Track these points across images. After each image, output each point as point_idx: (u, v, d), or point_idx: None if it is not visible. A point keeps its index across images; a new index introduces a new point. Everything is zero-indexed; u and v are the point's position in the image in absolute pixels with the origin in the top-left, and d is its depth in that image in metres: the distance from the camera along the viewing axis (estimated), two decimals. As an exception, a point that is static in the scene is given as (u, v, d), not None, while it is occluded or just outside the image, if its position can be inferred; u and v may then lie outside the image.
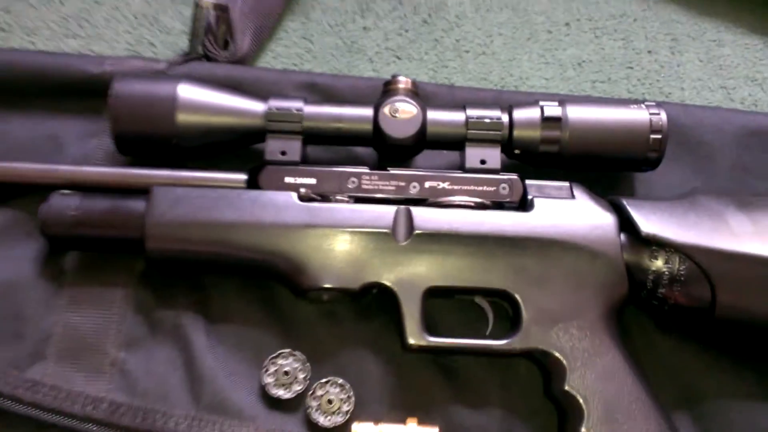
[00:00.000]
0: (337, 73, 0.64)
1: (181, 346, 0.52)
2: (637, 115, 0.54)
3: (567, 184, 0.54)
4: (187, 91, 0.53)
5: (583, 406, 0.48)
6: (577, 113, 0.54)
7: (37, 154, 0.56)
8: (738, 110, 0.64)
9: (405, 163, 0.56)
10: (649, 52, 0.67)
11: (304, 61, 0.65)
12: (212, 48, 0.62)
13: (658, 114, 0.54)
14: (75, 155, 0.57)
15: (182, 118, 0.52)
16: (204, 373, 0.51)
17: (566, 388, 0.49)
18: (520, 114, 0.54)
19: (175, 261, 0.51)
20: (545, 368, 0.51)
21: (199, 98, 0.53)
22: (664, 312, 0.52)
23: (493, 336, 0.52)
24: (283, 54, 0.65)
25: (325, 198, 0.53)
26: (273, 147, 0.53)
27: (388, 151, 0.55)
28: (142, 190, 0.52)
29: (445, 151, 0.56)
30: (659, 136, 0.53)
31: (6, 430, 0.50)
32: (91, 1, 0.66)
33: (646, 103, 0.55)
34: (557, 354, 0.49)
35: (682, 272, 0.50)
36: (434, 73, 0.65)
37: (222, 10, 0.61)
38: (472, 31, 0.67)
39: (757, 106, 0.65)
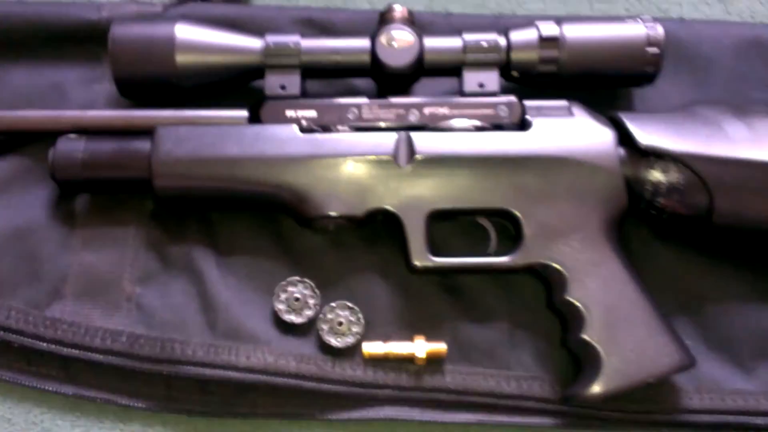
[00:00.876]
0: (333, 7, 0.64)
1: (194, 279, 0.54)
2: (633, 30, 0.54)
3: (565, 103, 0.54)
4: (185, 32, 0.54)
5: (584, 314, 0.50)
6: (574, 31, 0.54)
7: (42, 103, 0.58)
8: (735, 22, 0.64)
9: (403, 92, 0.57)
10: (646, -31, 0.66)
11: (298, -3, 0.65)
12: (207, -12, 0.62)
13: (654, 27, 0.54)
14: (79, 101, 0.58)
15: (181, 58, 0.53)
16: (218, 302, 0.53)
17: (568, 297, 0.51)
18: (516, 36, 0.55)
19: (183, 198, 0.53)
20: (547, 281, 0.52)
21: (196, 38, 0.54)
22: (663, 221, 0.53)
23: (497, 254, 0.53)
24: (278, -9, 0.65)
25: (326, 129, 0.54)
26: (272, 82, 0.54)
27: (387, 80, 0.55)
28: (146, 131, 0.53)
29: (443, 78, 0.57)
30: (656, 50, 0.54)
31: (30, 368, 0.53)
32: (84, -53, 0.65)
33: (642, 17, 0.55)
34: (558, 266, 0.51)
35: (679, 181, 0.51)
36: (430, 3, 0.65)
37: (215, -51, 0.61)
38: (467, -42, 0.67)
39: (754, 18, 0.65)
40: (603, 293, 0.50)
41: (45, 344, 0.52)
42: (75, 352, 0.52)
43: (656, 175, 0.52)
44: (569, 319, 0.51)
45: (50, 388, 0.52)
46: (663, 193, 0.52)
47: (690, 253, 0.55)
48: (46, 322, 0.52)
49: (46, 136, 0.54)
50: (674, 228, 0.54)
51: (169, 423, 0.53)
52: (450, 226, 0.55)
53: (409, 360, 0.52)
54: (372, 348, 0.52)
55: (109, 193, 0.55)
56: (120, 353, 0.52)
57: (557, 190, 0.52)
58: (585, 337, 0.50)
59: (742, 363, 0.54)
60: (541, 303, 0.54)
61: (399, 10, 0.55)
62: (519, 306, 0.55)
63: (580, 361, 0.51)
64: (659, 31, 0.54)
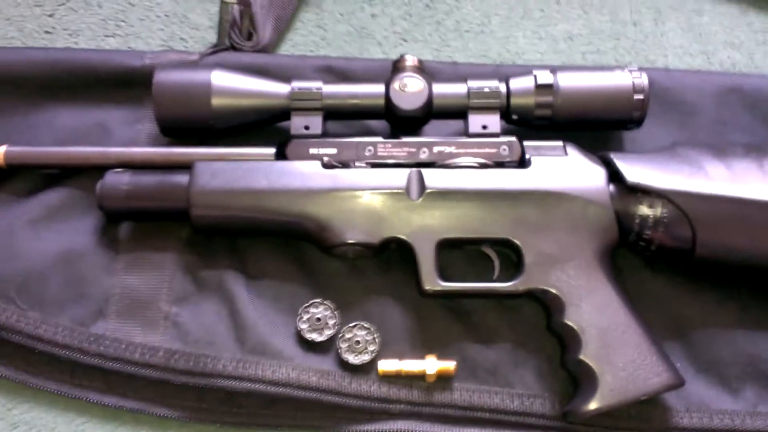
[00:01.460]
0: (350, 57, 0.71)
1: (225, 300, 0.58)
2: (620, 79, 0.60)
3: (560, 143, 0.60)
4: (220, 78, 0.60)
5: (581, 336, 0.54)
6: (567, 79, 0.60)
7: (87, 141, 0.63)
8: (716, 72, 0.70)
9: (415, 132, 0.62)
10: (634, 24, 0.73)
11: (319, 47, 0.72)
12: (238, 39, 0.68)
13: (640, 77, 0.60)
14: (121, 140, 0.64)
15: (217, 101, 0.59)
16: (246, 322, 0.57)
17: (565, 321, 0.55)
18: (515, 83, 0.60)
19: (217, 226, 0.58)
20: (546, 305, 0.57)
21: (230, 84, 0.60)
22: (651, 252, 0.57)
23: (500, 280, 0.58)
24: (300, 42, 0.72)
25: (345, 165, 0.59)
26: (297, 123, 0.60)
27: (399, 122, 0.61)
28: (184, 166, 0.59)
29: (450, 121, 0.62)
30: (642, 96, 0.59)
31: (73, 380, 0.57)
32: (125, 3, 0.73)
33: (629, 68, 0.61)
34: (556, 291, 0.55)
35: (665, 215, 0.56)
36: (438, 53, 0.72)
37: (245, 5, 0.68)
38: (471, 12, 0.73)
39: (735, 67, 0.71)
40: (597, 317, 0.55)
41: (89, 358, 0.56)
42: (116, 365, 0.56)
43: (643, 210, 0.57)
44: (567, 340, 0.55)
45: (92, 399, 0.57)
46: (650, 226, 0.57)
47: (678, 282, 0.60)
48: (91, 338, 0.57)
49: (94, 169, 0.60)
50: (662, 258, 0.58)
51: (200, 433, 0.58)
52: (457, 254, 0.60)
53: (420, 377, 0.57)
54: (387, 365, 0.57)
55: (150, 221, 0.60)
56: (157, 367, 0.56)
57: (554, 222, 0.57)
58: (581, 357, 0.54)
59: (728, 384, 0.58)
60: (541, 325, 0.58)
61: (410, 60, 0.61)
62: (521, 328, 0.59)
63: (578, 379, 0.55)
64: (644, 79, 0.59)
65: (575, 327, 0.55)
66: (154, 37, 0.71)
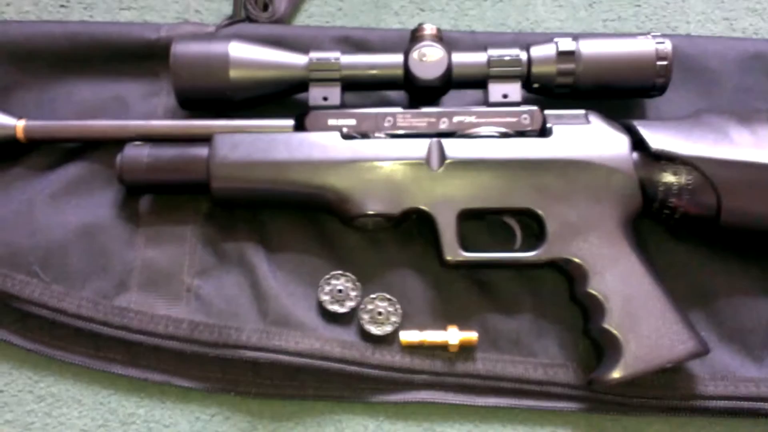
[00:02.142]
0: (368, 27, 0.70)
1: (246, 272, 0.59)
2: (644, 45, 0.59)
3: (583, 111, 0.59)
4: (237, 49, 0.59)
5: (605, 304, 0.54)
6: (589, 46, 0.59)
7: (105, 114, 0.63)
8: (739, 38, 0.69)
9: (434, 102, 0.62)
10: (656, -10, 0.72)
11: (335, 18, 0.71)
12: (254, 11, 0.68)
13: (663, 43, 0.59)
14: (139, 113, 0.64)
15: (234, 73, 0.58)
16: (268, 293, 0.57)
17: (589, 290, 0.55)
18: (536, 51, 0.60)
19: (237, 198, 0.58)
20: (569, 274, 0.56)
21: (248, 55, 0.59)
22: (675, 221, 0.57)
23: (522, 250, 0.58)
24: (316, 13, 0.71)
25: (364, 136, 0.59)
26: (315, 94, 0.59)
27: (418, 92, 0.60)
28: (203, 139, 0.58)
29: (470, 90, 0.61)
30: (665, 63, 0.58)
31: (98, 353, 0.58)
32: (139, -24, 0.72)
33: (652, 34, 0.60)
34: (579, 260, 0.55)
35: (689, 182, 0.56)
36: (455, 22, 0.71)
37: (260, -24, 0.67)
38: (489, -20, 0.72)
39: (758, 34, 0.70)
40: (621, 285, 0.55)
41: (113, 330, 0.57)
42: (141, 337, 0.57)
43: (668, 177, 0.56)
44: (590, 309, 0.55)
45: (117, 371, 0.57)
46: (674, 194, 0.56)
47: (701, 250, 0.59)
48: (115, 310, 0.57)
49: (113, 143, 0.60)
50: (686, 227, 0.58)
51: (225, 404, 0.58)
52: (478, 224, 0.60)
53: (442, 347, 0.57)
54: (409, 336, 0.57)
55: (171, 194, 0.60)
56: (181, 338, 0.56)
57: (577, 191, 0.56)
58: (606, 325, 0.54)
59: (752, 352, 0.58)
60: (563, 295, 0.58)
61: (429, 29, 0.60)
62: (543, 298, 0.59)
63: (602, 348, 0.55)
64: (668, 46, 0.59)
65: (599, 295, 0.55)
66: (169, 10, 0.71)
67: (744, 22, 0.70)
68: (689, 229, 0.58)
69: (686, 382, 0.56)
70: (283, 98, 0.62)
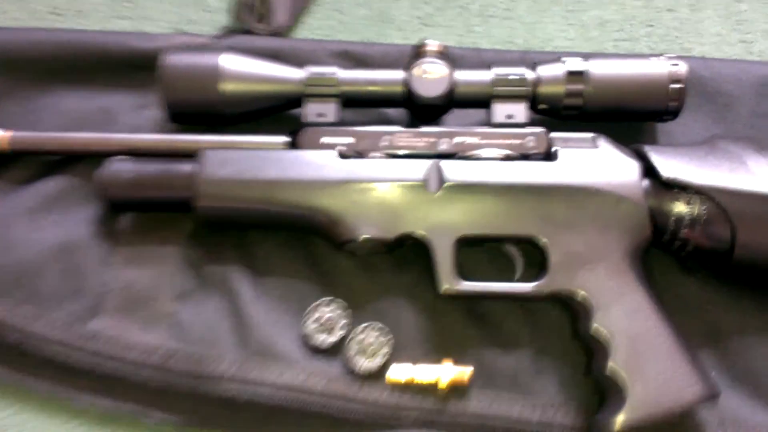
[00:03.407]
0: (369, 42, 0.67)
1: (229, 298, 0.55)
2: (657, 67, 0.56)
3: (591, 135, 0.56)
4: (229, 61, 0.56)
5: (610, 343, 0.51)
6: (600, 67, 0.56)
7: (92, 126, 0.60)
8: (756, 61, 0.66)
9: (435, 121, 0.59)
10: (669, 10, 0.69)
11: (336, 32, 0.68)
12: (251, 22, 0.65)
13: (678, 65, 0.56)
14: (127, 126, 0.61)
15: (225, 86, 0.56)
16: (251, 321, 0.54)
17: (593, 326, 0.51)
18: (544, 70, 0.57)
19: (223, 218, 0.55)
20: (572, 309, 0.53)
21: (240, 68, 0.57)
22: (687, 253, 0.54)
23: (523, 281, 0.54)
24: (316, 26, 0.69)
25: (360, 155, 0.56)
26: (310, 110, 0.57)
27: (419, 110, 0.57)
28: (190, 154, 0.56)
29: (473, 110, 0.58)
30: (679, 86, 0.55)
31: (68, 380, 0.54)
32: (135, -17, 0.70)
33: (666, 55, 0.57)
34: (583, 294, 0.52)
35: (703, 213, 0.52)
36: (461, 39, 0.68)
37: (258, -14, 0.65)
38: (496, -4, 0.70)
39: (776, 58, 0.67)
40: (628, 322, 0.51)
41: (84, 356, 0.53)
42: (113, 364, 0.53)
43: (680, 207, 0.53)
44: (594, 347, 0.52)
45: (86, 401, 0.54)
46: (686, 225, 0.53)
47: (713, 286, 0.56)
48: (87, 335, 0.54)
49: (96, 157, 0.57)
50: (697, 260, 0.54)
51: (200, 438, 0.55)
52: (478, 252, 0.57)
53: (435, 383, 0.53)
54: (400, 370, 0.53)
55: (153, 211, 0.57)
56: (155, 367, 0.53)
57: (583, 219, 0.53)
58: (610, 366, 0.50)
59: (765, 396, 0.54)
60: (566, 330, 0.55)
61: (432, 44, 0.57)
62: (544, 333, 0.55)
63: (605, 390, 0.51)
64: (682, 68, 0.56)
65: (604, 333, 0.51)
66: (166, 20, 0.68)
67: (761, 45, 0.67)
68: (701, 262, 0.55)
69: (693, 428, 0.53)
70: (277, 113, 0.59)
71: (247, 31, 0.65)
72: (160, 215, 0.58)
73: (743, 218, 0.52)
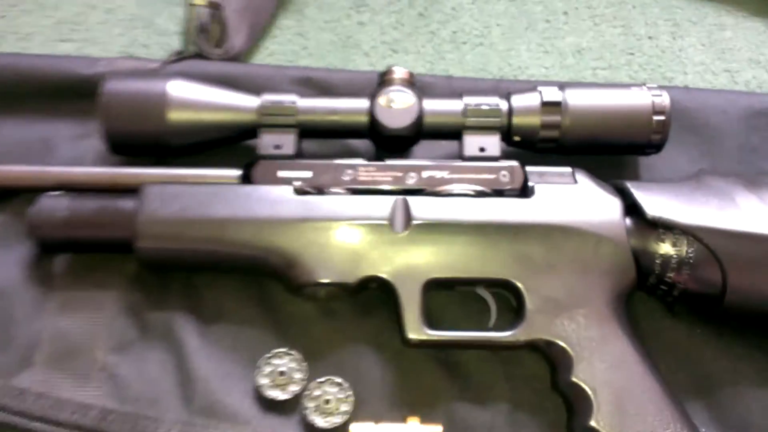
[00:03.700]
0: (333, 68, 0.63)
1: (172, 349, 0.50)
2: (639, 98, 0.53)
3: (569, 169, 0.52)
4: (178, 88, 0.52)
5: (592, 398, 0.46)
6: (577, 97, 0.53)
7: (29, 157, 0.56)
8: (742, 92, 0.63)
9: (403, 154, 0.55)
10: (650, 37, 0.66)
11: (299, 57, 0.65)
12: (206, 46, 0.61)
13: (660, 95, 0.53)
14: (66, 157, 0.57)
15: (173, 115, 0.52)
16: (196, 375, 0.49)
17: (573, 379, 0.47)
18: (518, 100, 0.53)
19: (168, 260, 0.50)
20: (551, 359, 0.49)
21: (189, 95, 0.52)
22: (674, 297, 0.50)
23: (497, 328, 0.50)
24: (278, 51, 0.65)
25: (320, 191, 0.52)
26: (266, 141, 0.53)
27: (385, 142, 0.54)
28: (133, 190, 0.51)
29: (443, 142, 0.55)
30: (662, 118, 0.52)
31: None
32: (84, 5, 0.66)
33: (648, 85, 0.54)
34: (563, 344, 0.48)
35: (690, 255, 0.48)
36: (431, 66, 0.65)
37: (215, 8, 0.61)
38: (469, 22, 0.66)
39: (762, 88, 0.64)
40: (612, 375, 0.47)
41: (10, 417, 0.48)
42: (41, 425, 0.47)
43: (666, 249, 0.49)
44: (575, 402, 0.47)
45: (12, 466, 0.48)
46: (673, 268, 0.49)
47: (702, 332, 0.52)
48: (13, 391, 0.48)
49: (29, 192, 0.52)
50: (686, 305, 0.51)
51: (137, 507, 0.49)
52: (448, 296, 0.52)
53: (402, 442, 0.49)
54: (362, 430, 0.48)
55: (91, 252, 0.52)
56: (89, 429, 0.48)
57: (561, 261, 0.49)
58: (592, 424, 0.46)
59: (761, 451, 0.50)
60: (545, 382, 0.50)
61: (399, 72, 0.54)
62: (520, 384, 0.51)
63: (587, 449, 0.47)
64: (665, 99, 0.52)
65: (585, 387, 0.47)
66: (114, 43, 0.64)
67: (747, 74, 0.65)
68: (690, 307, 0.51)
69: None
70: (231, 145, 0.55)
71: (202, 56, 0.61)
72: (100, 256, 0.53)
73: (734, 261, 0.48)
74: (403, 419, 0.49)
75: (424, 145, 0.55)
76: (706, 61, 0.65)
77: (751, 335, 0.52)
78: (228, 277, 0.53)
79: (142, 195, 0.50)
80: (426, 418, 0.49)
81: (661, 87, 0.54)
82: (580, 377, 0.47)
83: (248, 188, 0.51)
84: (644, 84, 0.54)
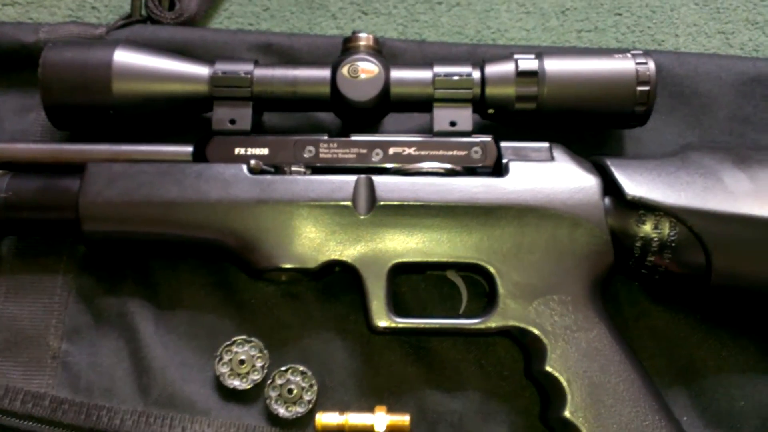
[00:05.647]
0: (296, 32, 0.59)
1: (127, 336, 0.48)
2: (621, 66, 0.49)
3: (546, 145, 0.49)
4: (124, 56, 0.48)
5: (566, 388, 0.44)
6: (556, 66, 0.49)
7: (-29, 133, 0.52)
8: (737, 56, 0.59)
9: (370, 128, 0.52)
10: (640, -4, 0.61)
11: (260, 20, 0.60)
12: (156, 9, 0.57)
13: (645, 63, 0.49)
14: (11, 131, 0.53)
15: (119, 86, 0.48)
16: (152, 364, 0.47)
17: (547, 368, 0.45)
18: (492, 69, 0.49)
19: (116, 243, 0.47)
20: (524, 347, 0.47)
21: (137, 64, 0.49)
22: (655, 281, 0.47)
23: (468, 314, 0.48)
24: (237, 13, 0.60)
25: (278, 170, 0.48)
26: (221, 115, 0.49)
27: (350, 115, 0.50)
28: (79, 167, 0.48)
29: (416, 114, 0.51)
30: (647, 88, 0.48)
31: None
32: (29, -37, 0.60)
33: (633, 52, 0.50)
34: (537, 331, 0.45)
35: (672, 237, 0.46)
36: (404, 29, 0.60)
37: (167, -33, 0.56)
38: (445, -20, 0.61)
39: (759, 51, 0.60)
40: (587, 364, 0.45)
41: None
42: (-8, 416, 0.46)
43: (646, 230, 0.46)
44: (549, 392, 0.45)
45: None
46: (654, 251, 0.46)
47: (686, 317, 0.50)
48: (-38, 383, 0.46)
49: (-33, 172, 0.49)
50: (668, 289, 0.48)
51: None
52: (417, 279, 0.50)
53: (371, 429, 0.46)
54: (326, 419, 0.46)
55: (36, 236, 0.50)
56: (41, 420, 0.46)
57: (535, 244, 0.46)
58: (566, 415, 0.44)
59: (742, 439, 0.48)
60: (518, 368, 0.48)
61: (364, 38, 0.50)
62: (492, 372, 0.49)
63: (561, 440, 0.45)
64: (651, 67, 0.49)
65: (559, 377, 0.45)
66: (61, 6, 0.59)
67: (743, 37, 0.60)
68: (672, 290, 0.48)
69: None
70: (183, 118, 0.51)
71: (153, 20, 0.56)
72: (48, 239, 0.50)
73: (719, 243, 0.45)
74: (371, 409, 0.47)
75: (395, 118, 0.51)
76: (699, 22, 0.60)
77: (736, 321, 0.50)
78: (186, 261, 0.50)
79: (86, 174, 0.47)
80: (394, 408, 0.47)
81: (648, 52, 0.50)
82: (554, 367, 0.45)
83: (199, 167, 0.48)
84: (630, 50, 0.50)
